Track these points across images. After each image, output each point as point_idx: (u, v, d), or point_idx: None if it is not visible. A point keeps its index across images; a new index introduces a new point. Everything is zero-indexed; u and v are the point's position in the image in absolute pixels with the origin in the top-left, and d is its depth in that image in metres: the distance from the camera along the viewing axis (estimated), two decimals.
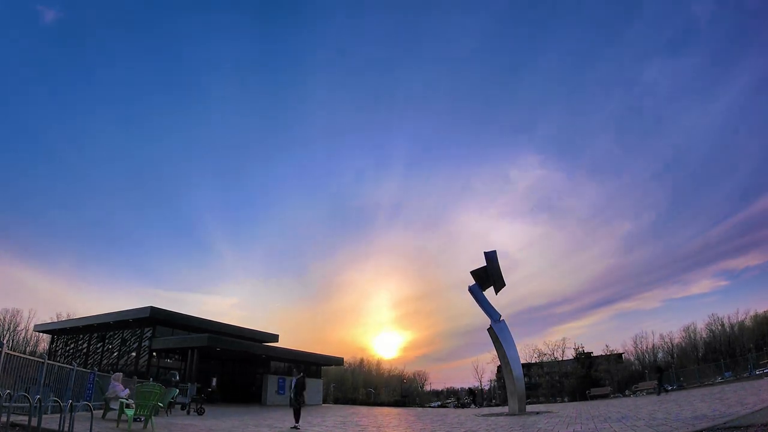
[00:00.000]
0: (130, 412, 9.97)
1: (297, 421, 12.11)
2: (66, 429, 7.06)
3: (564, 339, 59.18)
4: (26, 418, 6.86)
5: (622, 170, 79.62)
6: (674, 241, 75.60)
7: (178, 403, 17.72)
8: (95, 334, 34.24)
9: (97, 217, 77.82)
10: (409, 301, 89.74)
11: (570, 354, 55.72)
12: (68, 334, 36.58)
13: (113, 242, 79.83)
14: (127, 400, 11.57)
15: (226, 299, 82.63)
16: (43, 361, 11.26)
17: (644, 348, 56.26)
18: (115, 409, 11.56)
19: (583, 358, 52.45)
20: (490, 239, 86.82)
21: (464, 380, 74.13)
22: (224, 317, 76.94)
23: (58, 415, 7.58)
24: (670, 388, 30.14)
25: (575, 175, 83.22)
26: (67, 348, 36.51)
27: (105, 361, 32.04)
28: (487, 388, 64.56)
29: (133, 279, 78.84)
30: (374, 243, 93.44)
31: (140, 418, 10.71)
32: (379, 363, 71.92)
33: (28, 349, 45.25)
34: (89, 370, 14.75)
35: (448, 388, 72.21)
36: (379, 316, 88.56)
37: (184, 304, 79.05)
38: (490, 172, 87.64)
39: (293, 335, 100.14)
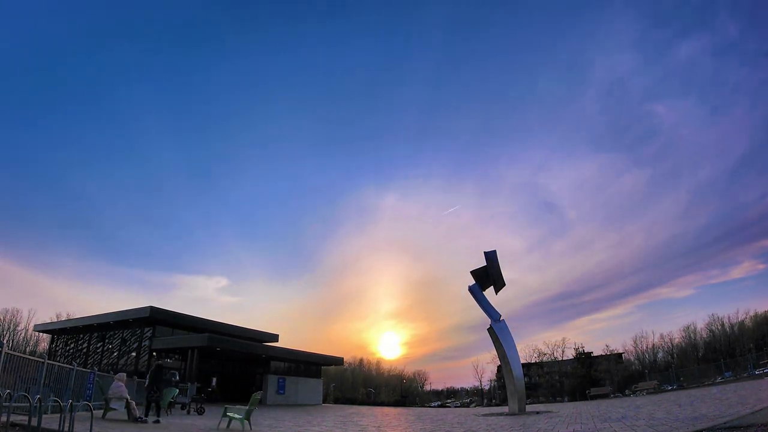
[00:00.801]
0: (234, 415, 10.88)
1: (146, 414, 11.60)
2: (66, 429, 7.06)
3: (564, 339, 59.38)
4: (26, 417, 6.85)
5: (725, 80, 62.03)
6: (739, 202, 64.50)
7: (179, 403, 17.72)
8: (95, 334, 34.25)
9: (93, 213, 77.62)
10: (417, 290, 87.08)
11: (570, 354, 55.88)
12: (68, 334, 36.59)
13: (109, 235, 79.25)
14: (128, 399, 11.63)
15: (211, 280, 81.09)
16: (43, 360, 11.26)
17: (644, 348, 56.35)
18: (115, 409, 11.58)
19: (583, 358, 52.53)
20: (540, 185, 75.84)
21: (465, 380, 74.24)
22: (215, 303, 76.23)
23: (58, 415, 7.58)
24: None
25: (669, 75, 64.58)
26: (67, 348, 36.51)
27: (105, 361, 32.05)
28: (487, 388, 64.64)
29: (126, 267, 78.35)
30: (385, 200, 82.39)
31: (143, 419, 11.29)
32: (378, 362, 72.04)
33: (28, 349, 45.22)
34: (89, 370, 14.75)
35: (448, 388, 72.32)
36: (384, 307, 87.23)
37: (167, 287, 77.35)
38: (564, 57, 67.70)
39: (293, 334, 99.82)
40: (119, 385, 11.91)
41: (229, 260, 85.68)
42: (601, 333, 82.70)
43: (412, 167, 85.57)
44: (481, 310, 17.39)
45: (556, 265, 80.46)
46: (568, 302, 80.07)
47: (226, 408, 11.31)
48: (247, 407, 10.99)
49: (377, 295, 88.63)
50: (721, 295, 71.06)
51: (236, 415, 10.83)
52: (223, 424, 11.06)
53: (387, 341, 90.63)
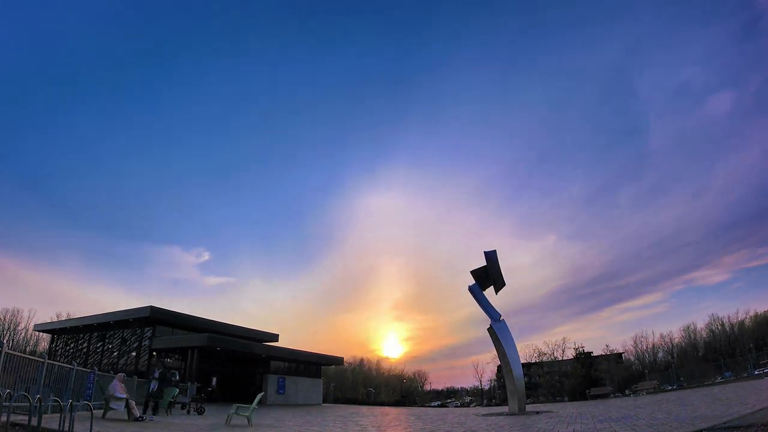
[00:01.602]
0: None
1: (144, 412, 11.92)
2: (66, 429, 7.06)
3: (564, 338, 59.39)
4: (26, 417, 6.85)
5: None
6: None
7: (179, 403, 17.72)
8: (95, 334, 34.25)
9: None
10: (423, 282, 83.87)
11: (570, 354, 55.89)
12: (68, 334, 36.60)
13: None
14: (127, 399, 11.65)
15: (190, 253, 75.49)
16: (43, 360, 11.25)
17: (644, 348, 56.40)
18: (114, 409, 11.60)
19: (583, 358, 52.53)
20: (627, 88, 59.38)
21: (465, 380, 74.17)
22: (199, 287, 72.03)
23: (58, 415, 7.58)
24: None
25: None
26: (67, 348, 36.52)
27: (105, 361, 32.06)
28: (487, 387, 64.70)
29: (80, 230, 73.08)
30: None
31: (142, 417, 11.64)
32: (379, 362, 72.03)
33: (28, 348, 45.26)
34: (89, 370, 14.75)
35: (448, 388, 72.38)
36: (387, 302, 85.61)
37: (134, 262, 72.83)
38: None
39: (293, 334, 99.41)
40: (116, 384, 11.96)
41: (208, 229, 79.12)
42: (632, 325, 72.18)
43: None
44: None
45: (609, 228, 67.51)
46: (603, 287, 69.46)
47: (237, 406, 12.18)
48: (251, 405, 12.00)
49: (381, 290, 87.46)
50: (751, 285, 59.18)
51: (242, 413, 11.77)
52: (234, 420, 11.88)
53: (389, 338, 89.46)
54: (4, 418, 6.85)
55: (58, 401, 7.74)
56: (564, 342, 57.64)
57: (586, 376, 48.78)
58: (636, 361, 55.83)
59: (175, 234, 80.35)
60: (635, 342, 56.64)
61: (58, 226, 71.96)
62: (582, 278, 72.37)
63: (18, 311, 47.93)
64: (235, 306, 75.66)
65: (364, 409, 31.20)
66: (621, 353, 56.69)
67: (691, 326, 53.85)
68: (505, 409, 19.23)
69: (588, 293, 71.96)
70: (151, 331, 30.52)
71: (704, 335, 52.88)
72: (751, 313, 50.13)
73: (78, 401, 10.69)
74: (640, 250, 67.38)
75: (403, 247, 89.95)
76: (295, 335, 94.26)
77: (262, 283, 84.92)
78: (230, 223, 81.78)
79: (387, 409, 32.85)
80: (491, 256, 17.24)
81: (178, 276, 74.51)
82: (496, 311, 17.08)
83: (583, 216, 72.60)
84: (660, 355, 55.20)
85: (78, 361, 26.31)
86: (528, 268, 71.44)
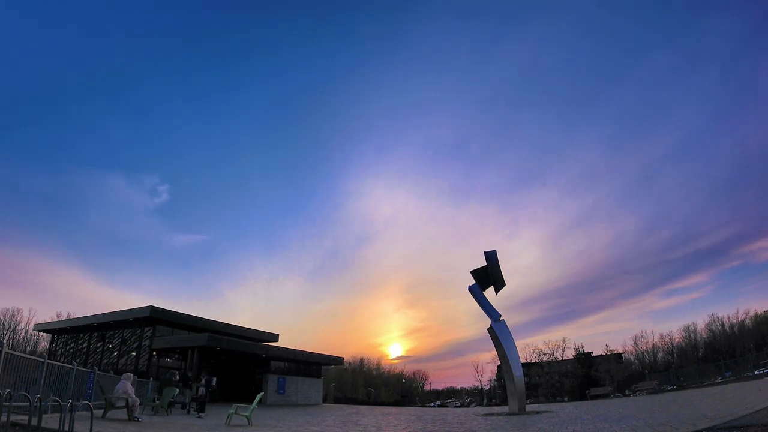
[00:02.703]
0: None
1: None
2: (66, 428, 7.06)
3: (564, 338, 59.44)
4: (26, 417, 6.84)
5: None
6: None
7: (178, 403, 17.72)
8: (95, 334, 34.26)
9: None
10: (429, 275, 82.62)
11: (570, 354, 55.96)
12: (68, 334, 36.60)
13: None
14: (129, 399, 11.68)
15: (140, 187, 58.72)
16: (43, 360, 11.24)
17: (644, 348, 56.43)
18: (119, 407, 11.65)
19: (583, 358, 52.57)
20: None
21: (465, 380, 74.29)
22: (165, 252, 66.76)
23: (58, 415, 7.57)
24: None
25: None
26: (68, 347, 36.51)
27: (105, 361, 32.06)
28: (487, 388, 64.79)
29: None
30: None
31: (138, 417, 11.58)
32: (379, 362, 72.09)
33: (28, 348, 45.27)
34: (89, 370, 14.74)
35: (448, 388, 72.50)
36: (391, 298, 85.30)
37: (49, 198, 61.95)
38: None
39: (293, 333, 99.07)
40: (124, 384, 11.97)
41: (163, 146, 58.85)
42: (672, 313, 63.73)
43: None
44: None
45: (714, 149, 57.14)
46: (654, 260, 62.80)
47: (237, 406, 12.34)
48: (251, 405, 12.24)
49: (385, 283, 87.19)
50: None
51: (242, 413, 11.96)
52: (234, 420, 12.06)
53: (392, 334, 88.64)
54: (4, 418, 6.83)
55: (58, 401, 7.74)
56: (564, 342, 57.81)
57: (586, 376, 48.86)
58: (636, 361, 55.88)
59: (114, 152, 57.21)
60: (635, 342, 56.77)
61: None
62: (638, 249, 65.55)
63: (18, 311, 48.03)
64: (215, 286, 69.18)
65: (365, 409, 31.20)
66: (621, 353, 56.75)
67: (691, 326, 53.99)
68: (505, 409, 19.24)
69: (636, 269, 66.14)
70: (151, 331, 30.51)
71: (704, 335, 52.99)
72: (751, 313, 50.24)
73: (78, 401, 10.68)
74: (721, 202, 57.36)
75: (409, 239, 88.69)
76: (295, 335, 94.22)
77: (267, 284, 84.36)
78: (194, 144, 62.54)
79: (387, 408, 32.85)
80: (491, 257, 17.25)
81: (129, 233, 52.88)
82: (497, 311, 17.09)
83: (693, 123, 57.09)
84: (660, 355, 55.28)
85: (78, 361, 26.29)
86: (588, 223, 66.45)
